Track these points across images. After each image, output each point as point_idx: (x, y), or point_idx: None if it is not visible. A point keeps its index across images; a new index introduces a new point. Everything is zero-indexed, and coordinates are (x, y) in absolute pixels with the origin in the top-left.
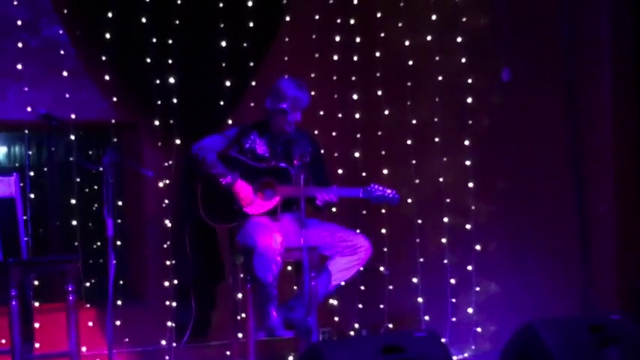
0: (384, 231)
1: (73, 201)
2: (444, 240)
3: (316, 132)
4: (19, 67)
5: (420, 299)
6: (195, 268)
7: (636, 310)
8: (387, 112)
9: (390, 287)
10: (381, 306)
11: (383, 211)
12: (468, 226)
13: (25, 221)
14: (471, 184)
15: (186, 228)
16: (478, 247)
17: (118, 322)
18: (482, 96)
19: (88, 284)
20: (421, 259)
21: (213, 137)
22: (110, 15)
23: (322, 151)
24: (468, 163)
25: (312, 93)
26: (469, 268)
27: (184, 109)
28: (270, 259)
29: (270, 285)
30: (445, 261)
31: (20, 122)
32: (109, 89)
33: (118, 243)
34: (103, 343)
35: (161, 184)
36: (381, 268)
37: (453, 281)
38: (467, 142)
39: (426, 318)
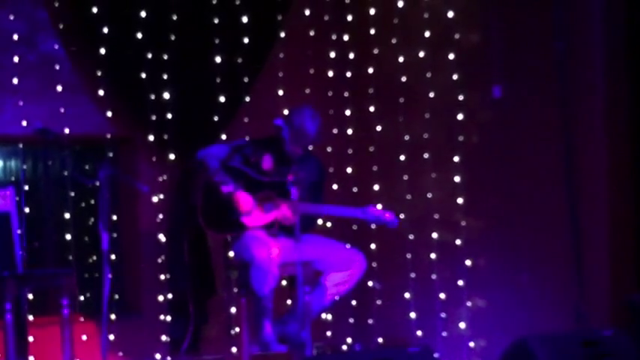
0: (375, 246)
1: (68, 215)
2: (433, 256)
3: (310, 147)
4: (15, 81)
5: (412, 314)
6: (188, 283)
7: (629, 326)
8: (379, 128)
9: (382, 302)
10: (373, 321)
11: (374, 226)
12: (458, 242)
13: (20, 235)
14: (461, 200)
15: (182, 242)
16: (469, 263)
17: (112, 336)
18: (474, 112)
19: (82, 298)
20: (412, 275)
21: (219, 146)
22: (106, 30)
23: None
24: (458, 179)
25: None
26: (460, 283)
27: (179, 125)
28: (267, 270)
29: (266, 298)
30: (434, 276)
31: (16, 136)
32: (104, 104)
33: (113, 257)
34: (98, 357)
35: (155, 199)
36: (370, 283)
37: (442, 296)
38: (458, 159)
39: (419, 333)
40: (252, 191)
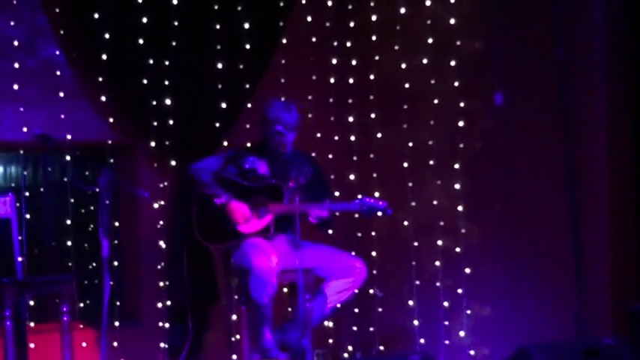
0: (378, 253)
1: (68, 221)
2: (437, 263)
3: (312, 154)
4: (16, 87)
5: (415, 322)
6: (190, 290)
7: (630, 335)
8: (382, 135)
9: (384, 309)
10: (375, 328)
11: (378, 233)
12: (458, 249)
13: (21, 241)
14: (462, 208)
15: (182, 249)
16: (468, 270)
17: (112, 343)
18: (476, 119)
19: (82, 305)
20: (416, 282)
21: (210, 158)
22: (107, 36)
23: (329, 176)
24: (459, 186)
25: (309, 115)
26: (459, 291)
27: (180, 131)
28: (266, 280)
29: (265, 306)
30: (438, 284)
31: (16, 143)
32: (105, 110)
33: (114, 264)
34: None
35: (156, 205)
36: (371, 291)
37: (446, 304)
38: (459, 166)
39: (421, 341)
40: (245, 198)
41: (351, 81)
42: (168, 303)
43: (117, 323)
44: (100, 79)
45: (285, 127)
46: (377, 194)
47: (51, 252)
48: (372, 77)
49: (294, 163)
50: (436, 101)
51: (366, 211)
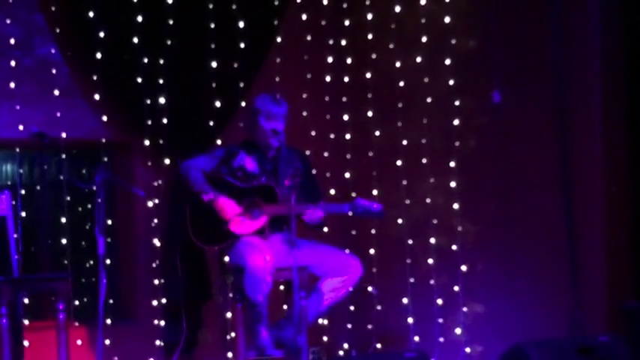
0: (373, 251)
1: (64, 219)
2: (431, 261)
3: (307, 152)
4: (12, 85)
5: (409, 319)
6: (183, 288)
7: (625, 332)
8: (377, 133)
9: (380, 307)
10: (370, 326)
11: (373, 231)
12: (454, 247)
13: (16, 239)
14: (457, 206)
15: (176, 247)
16: (464, 268)
17: (107, 341)
18: (471, 118)
19: (77, 302)
20: (411, 280)
21: (201, 157)
22: (102, 35)
23: (314, 171)
24: (454, 184)
25: (304, 114)
26: (456, 288)
27: (174, 129)
28: (261, 278)
29: (261, 304)
30: (432, 282)
31: (12, 140)
32: (100, 108)
33: (109, 262)
34: None
35: (151, 204)
36: (370, 289)
37: (440, 302)
38: (454, 164)
39: (416, 338)
40: (238, 199)
41: (346, 79)
42: (164, 301)
43: (112, 321)
44: (95, 78)
45: (269, 116)
46: (374, 192)
47: (47, 250)
48: (367, 76)
49: (284, 159)
50: (430, 100)
51: (360, 214)
